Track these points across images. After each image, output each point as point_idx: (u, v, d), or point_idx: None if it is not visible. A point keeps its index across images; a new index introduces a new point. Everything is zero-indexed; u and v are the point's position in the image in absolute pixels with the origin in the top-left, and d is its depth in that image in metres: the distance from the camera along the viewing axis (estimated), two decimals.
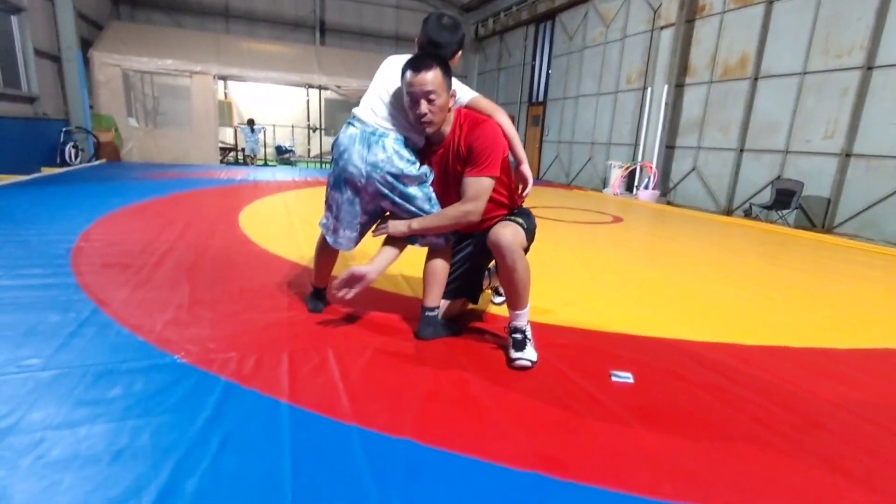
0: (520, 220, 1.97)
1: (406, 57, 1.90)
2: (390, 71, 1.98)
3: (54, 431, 1.29)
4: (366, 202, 2.00)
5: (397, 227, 1.98)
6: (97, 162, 9.19)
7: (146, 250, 3.17)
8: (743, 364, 2.02)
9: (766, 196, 7.00)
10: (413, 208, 1.96)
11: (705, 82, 8.25)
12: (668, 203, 8.74)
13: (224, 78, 11.52)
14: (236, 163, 11.98)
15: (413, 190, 1.94)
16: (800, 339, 2.38)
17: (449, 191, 2.00)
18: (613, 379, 1.80)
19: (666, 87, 8.53)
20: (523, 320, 1.92)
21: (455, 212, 1.91)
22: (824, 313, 2.84)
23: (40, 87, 7.97)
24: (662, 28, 8.58)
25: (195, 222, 4.22)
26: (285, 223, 4.51)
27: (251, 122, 12.14)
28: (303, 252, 3.39)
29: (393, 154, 1.89)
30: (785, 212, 6.62)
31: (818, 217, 6.56)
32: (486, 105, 1.97)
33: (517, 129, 13.80)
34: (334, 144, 1.99)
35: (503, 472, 1.25)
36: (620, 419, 1.52)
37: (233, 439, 1.30)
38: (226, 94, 13.98)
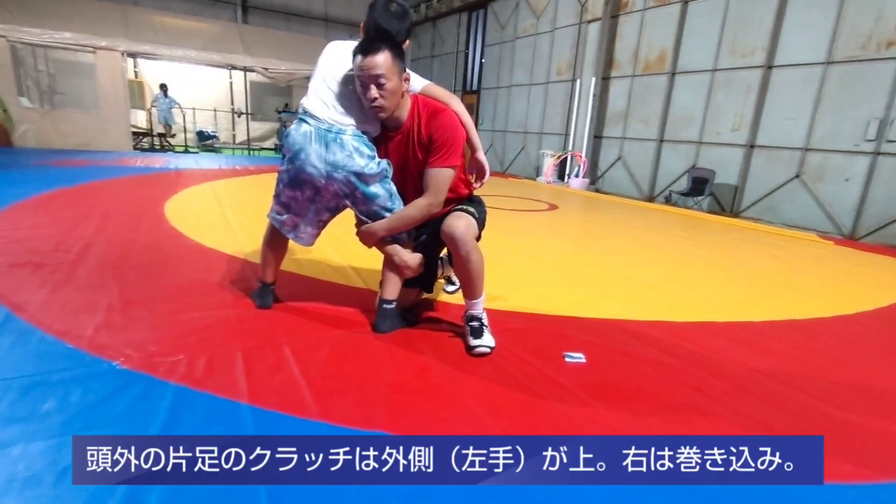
0: (471, 210, 2.00)
1: (350, 43, 1.85)
2: (337, 56, 1.91)
3: None
4: (327, 200, 1.94)
5: (367, 237, 2.00)
6: None
7: (60, 247, 2.87)
8: (678, 339, 2.20)
9: (684, 184, 7.59)
10: (376, 207, 1.93)
11: (628, 76, 8.74)
12: (598, 191, 9.22)
13: (133, 55, 10.50)
14: (152, 149, 11.04)
15: (375, 188, 1.91)
16: (722, 313, 2.64)
17: (406, 180, 1.99)
18: (567, 360, 1.90)
19: (594, 79, 8.94)
20: (479, 308, 1.96)
21: (418, 210, 1.91)
22: (739, 290, 3.16)
23: None
24: (590, 22, 8.95)
25: (114, 215, 3.86)
26: (218, 214, 4.24)
27: (164, 87, 11.20)
28: (241, 245, 3.22)
29: (353, 152, 1.84)
30: (700, 198, 7.22)
31: (727, 202, 7.22)
32: (441, 93, 1.97)
33: None
34: (286, 141, 1.90)
35: None
36: (579, 398, 1.62)
37: None
38: (136, 73, 12.77)
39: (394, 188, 1.97)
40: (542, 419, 1.48)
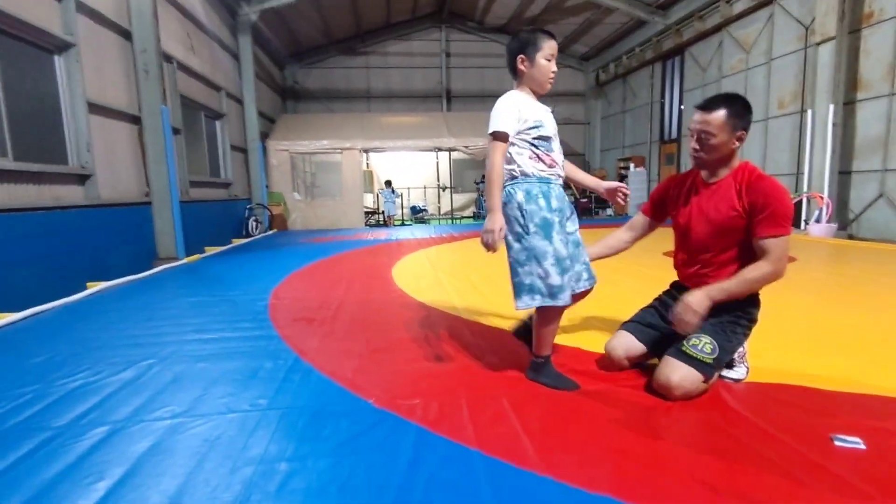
0: (710, 350, 1.84)
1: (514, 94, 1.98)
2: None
3: (288, 463, 1.50)
4: None
5: (695, 307, 1.84)
6: (271, 232, 10.85)
7: (323, 305, 3.62)
8: None
9: None
10: None
11: (885, 95, 7.11)
12: (850, 237, 7.46)
13: (367, 150, 13.02)
14: (377, 224, 13.21)
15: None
16: None
17: (690, 234, 2.05)
18: (837, 443, 1.54)
19: (832, 106, 7.52)
20: None
21: (759, 274, 1.84)
22: None
23: (233, 174, 9.81)
24: (819, 44, 7.70)
25: (356, 279, 4.71)
26: (432, 277, 4.80)
27: (389, 184, 13.36)
28: (454, 303, 3.57)
29: None
30: None
31: None
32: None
33: (649, 169, 13.13)
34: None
35: None
36: (862, 492, 1.29)
37: (434, 485, 1.38)
38: (367, 163, 15.74)
39: None
40: None
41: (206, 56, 8.71)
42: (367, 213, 13.21)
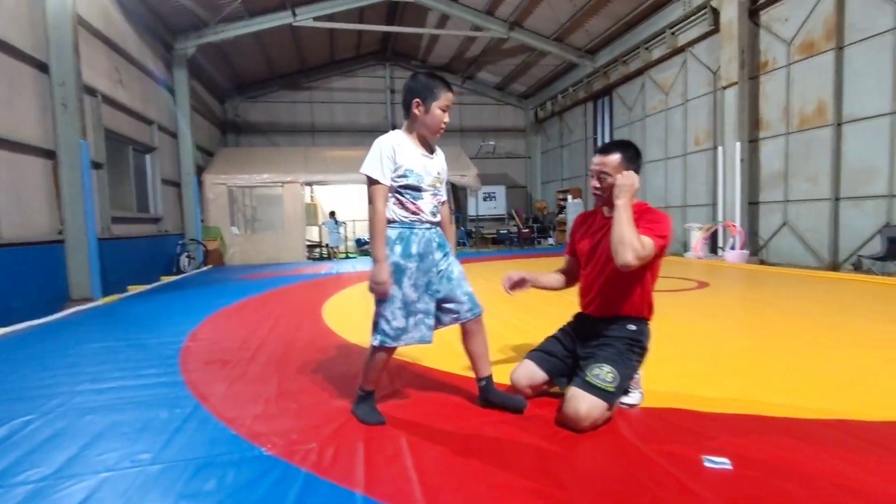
0: (610, 378, 1.93)
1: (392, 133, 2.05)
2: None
3: None
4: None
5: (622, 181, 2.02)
6: (205, 268, 10.40)
7: (243, 346, 3.48)
8: (869, 445, 1.75)
9: (877, 246, 6.27)
10: None
11: (782, 134, 7.90)
12: (762, 262, 8.08)
13: (310, 183, 12.89)
14: (321, 258, 12.98)
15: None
16: None
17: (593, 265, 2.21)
18: (707, 464, 1.63)
19: (738, 144, 8.26)
20: None
21: (638, 241, 1.93)
22: None
23: (164, 209, 9.41)
24: (725, 88, 8.50)
25: (284, 317, 4.58)
26: (363, 313, 4.74)
27: (333, 215, 13.21)
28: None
29: None
30: None
31: None
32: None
33: (584, 204, 13.75)
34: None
35: None
36: None
37: None
38: (312, 196, 15.55)
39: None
40: None
41: (137, 90, 8.45)
42: (309, 246, 12.97)
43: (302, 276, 8.47)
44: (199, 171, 11.30)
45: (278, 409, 2.26)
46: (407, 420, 2.09)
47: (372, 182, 1.96)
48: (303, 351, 3.34)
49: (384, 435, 1.94)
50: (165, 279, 8.40)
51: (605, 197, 2.12)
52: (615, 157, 2.08)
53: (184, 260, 9.53)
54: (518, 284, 2.28)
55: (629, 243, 1.91)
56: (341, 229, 13.37)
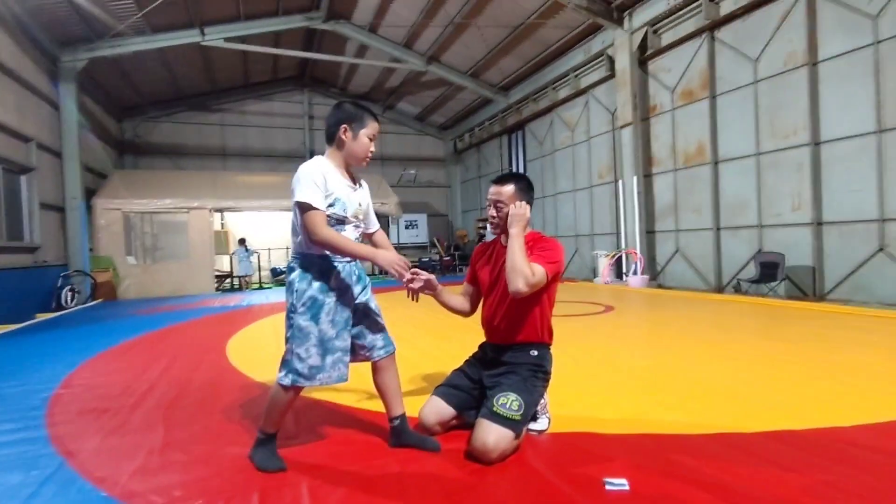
0: (516, 408, 1.94)
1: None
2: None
3: None
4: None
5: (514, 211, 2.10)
6: (93, 302, 9.31)
7: (126, 391, 3.10)
8: (745, 456, 1.90)
9: (752, 270, 7.09)
10: None
11: (670, 170, 8.79)
12: (660, 286, 8.81)
13: (220, 210, 12.15)
14: (231, 289, 12.16)
15: None
16: (803, 419, 2.28)
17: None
18: (607, 487, 1.68)
19: (635, 178, 9.06)
20: None
21: (528, 269, 1.98)
22: (825, 387, 2.75)
23: (43, 237, 8.35)
24: (622, 127, 9.34)
25: (182, 355, 4.18)
26: (274, 347, 4.46)
27: (242, 242, 12.36)
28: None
29: None
30: (773, 284, 6.67)
31: (808, 286, 6.59)
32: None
33: None
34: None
35: None
36: None
37: None
38: (222, 224, 14.65)
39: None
40: None
41: (11, 103, 7.54)
42: (218, 276, 12.12)
43: (207, 308, 7.85)
44: (90, 194, 10.23)
45: (161, 463, 2.01)
46: (310, 463, 1.95)
47: (306, 209, 1.83)
48: (198, 393, 3.04)
49: (283, 482, 1.79)
50: (42, 316, 7.38)
51: (502, 225, 2.19)
52: (510, 188, 2.17)
53: (66, 294, 8.46)
54: (427, 286, 2.13)
55: (520, 271, 1.97)
56: (253, 258, 12.63)
